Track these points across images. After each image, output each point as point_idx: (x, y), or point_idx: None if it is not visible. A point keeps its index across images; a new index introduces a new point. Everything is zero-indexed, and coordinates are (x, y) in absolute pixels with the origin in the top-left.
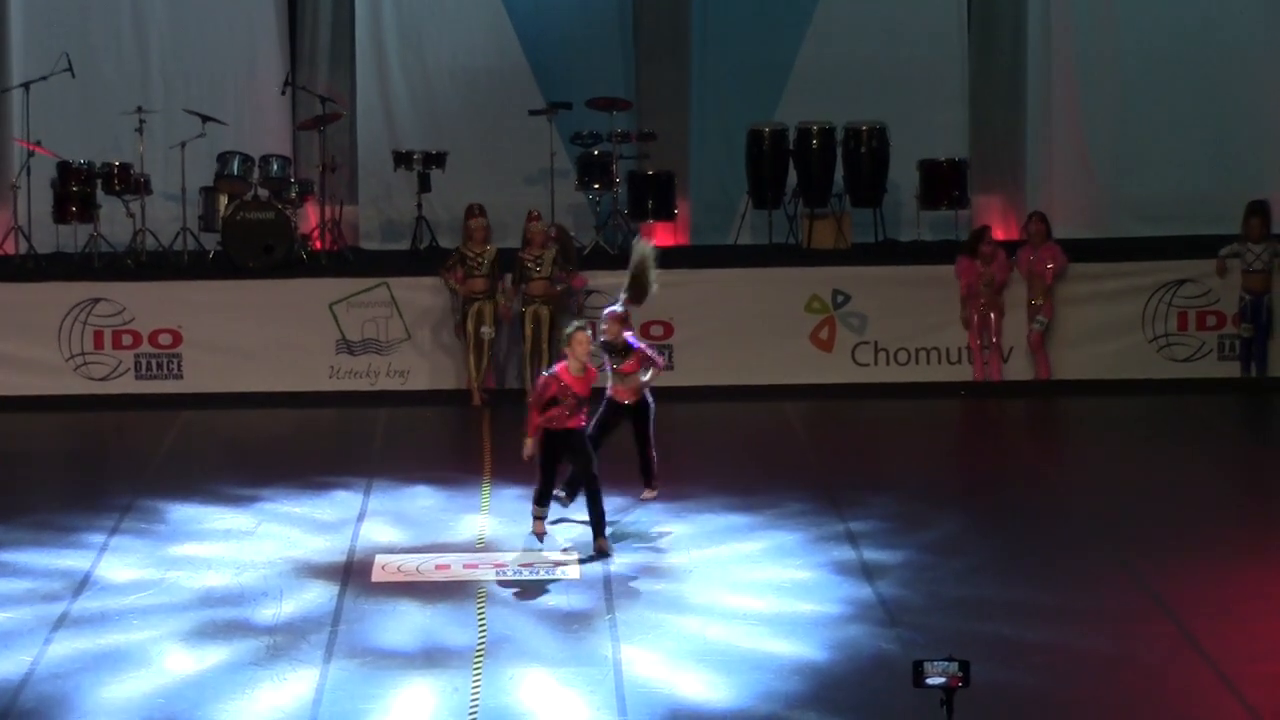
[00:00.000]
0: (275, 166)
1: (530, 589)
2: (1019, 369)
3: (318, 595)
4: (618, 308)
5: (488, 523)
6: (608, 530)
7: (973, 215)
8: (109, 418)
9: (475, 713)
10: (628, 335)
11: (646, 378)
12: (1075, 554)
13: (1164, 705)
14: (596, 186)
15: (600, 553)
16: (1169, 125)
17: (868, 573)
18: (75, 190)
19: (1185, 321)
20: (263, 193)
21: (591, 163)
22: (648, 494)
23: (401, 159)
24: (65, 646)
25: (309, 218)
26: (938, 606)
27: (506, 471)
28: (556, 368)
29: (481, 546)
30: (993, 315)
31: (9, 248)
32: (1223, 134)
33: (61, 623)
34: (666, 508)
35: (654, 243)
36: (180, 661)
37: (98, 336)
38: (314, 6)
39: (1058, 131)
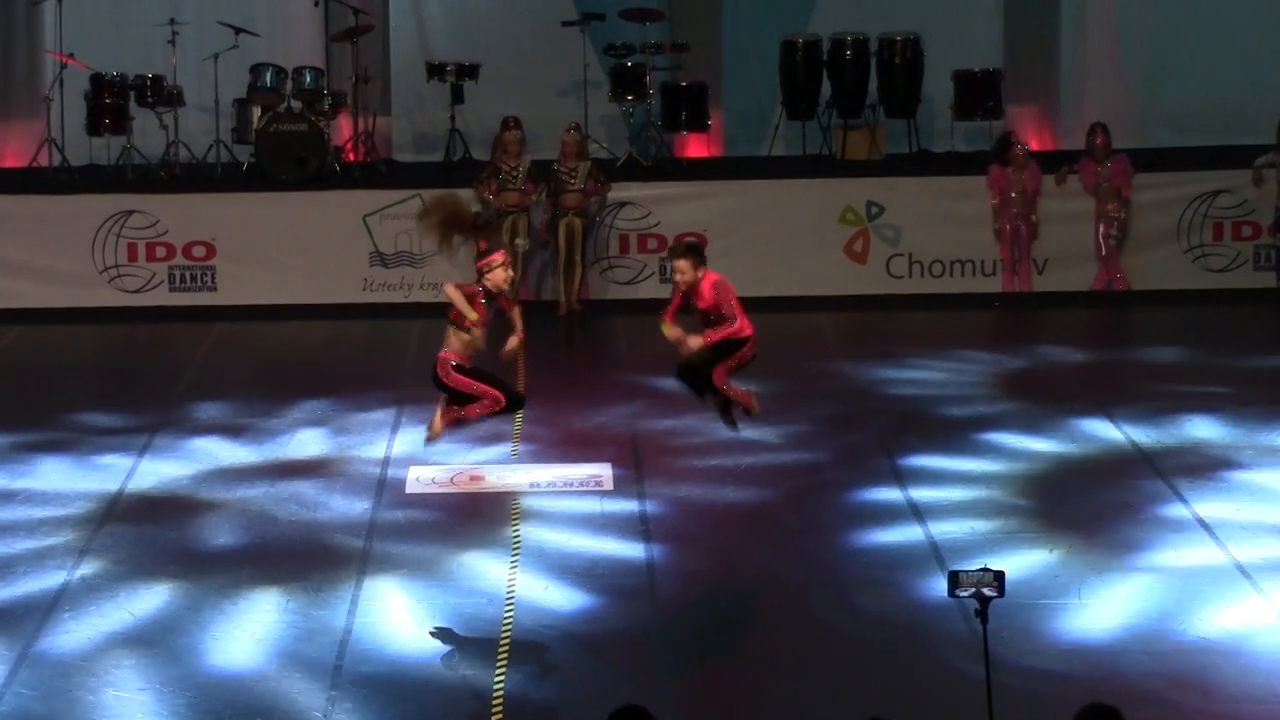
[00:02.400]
0: (308, 78)
1: (564, 499)
2: (1055, 280)
3: (352, 506)
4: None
5: (521, 433)
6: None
7: (1007, 126)
8: (143, 329)
9: (509, 623)
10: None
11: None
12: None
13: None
14: (630, 98)
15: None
16: (1204, 35)
17: (898, 478)
18: (108, 103)
19: (1220, 232)
20: (296, 105)
21: (625, 74)
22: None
23: (434, 71)
24: (99, 558)
25: (342, 130)
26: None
27: (540, 383)
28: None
29: (516, 457)
30: (1024, 227)
31: (42, 160)
32: (1258, 44)
33: (101, 526)
34: (700, 418)
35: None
36: (215, 573)
37: (131, 249)
38: None
39: (1092, 42)
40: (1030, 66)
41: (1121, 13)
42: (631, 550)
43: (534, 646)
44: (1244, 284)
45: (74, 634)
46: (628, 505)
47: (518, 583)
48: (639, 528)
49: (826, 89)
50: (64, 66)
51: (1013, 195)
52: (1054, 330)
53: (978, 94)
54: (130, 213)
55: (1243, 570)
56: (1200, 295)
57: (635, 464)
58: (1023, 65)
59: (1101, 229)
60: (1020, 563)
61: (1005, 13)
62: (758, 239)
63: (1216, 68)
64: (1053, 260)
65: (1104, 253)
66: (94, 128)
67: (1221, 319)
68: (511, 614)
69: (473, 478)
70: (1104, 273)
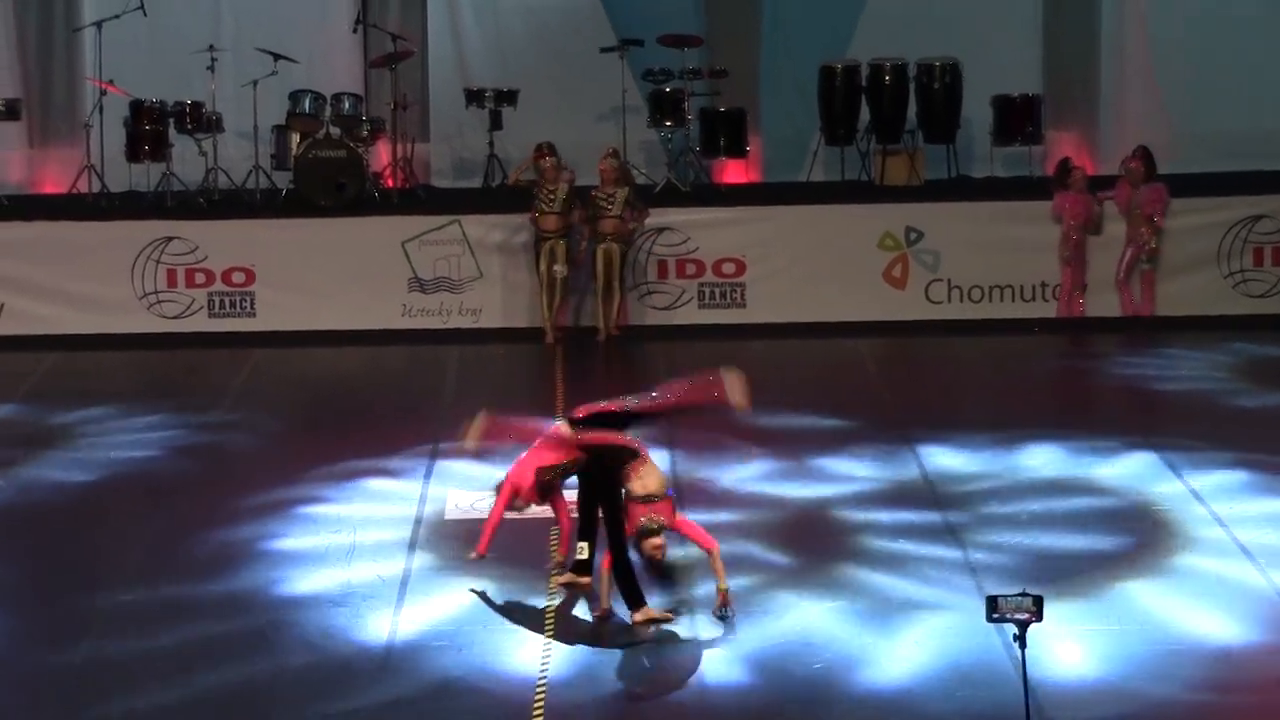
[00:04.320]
0: (347, 104)
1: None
2: (1099, 305)
3: (392, 531)
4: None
5: None
6: None
7: (1047, 151)
8: (182, 356)
9: (549, 648)
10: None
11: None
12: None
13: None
14: (669, 124)
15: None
16: (1243, 59)
17: (937, 500)
18: (148, 129)
19: (1261, 257)
20: (335, 131)
21: (663, 99)
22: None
23: (473, 96)
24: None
25: (381, 156)
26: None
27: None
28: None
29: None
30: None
31: (82, 186)
32: None
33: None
34: (737, 445)
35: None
36: (254, 595)
37: (171, 275)
38: None
39: (1132, 66)
40: (1069, 91)
41: (1160, 37)
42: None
43: (574, 663)
44: None
45: None
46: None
47: (555, 604)
48: (679, 550)
49: (865, 114)
50: (104, 93)
51: (1074, 222)
52: (1095, 356)
53: (1017, 119)
54: (169, 239)
55: None
56: (1240, 320)
57: (674, 487)
58: (1062, 90)
59: (1129, 254)
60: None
61: (1044, 38)
62: (796, 264)
63: (1255, 92)
64: (1093, 285)
65: (1122, 276)
66: (133, 154)
67: (1259, 342)
68: (551, 637)
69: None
70: (1127, 298)
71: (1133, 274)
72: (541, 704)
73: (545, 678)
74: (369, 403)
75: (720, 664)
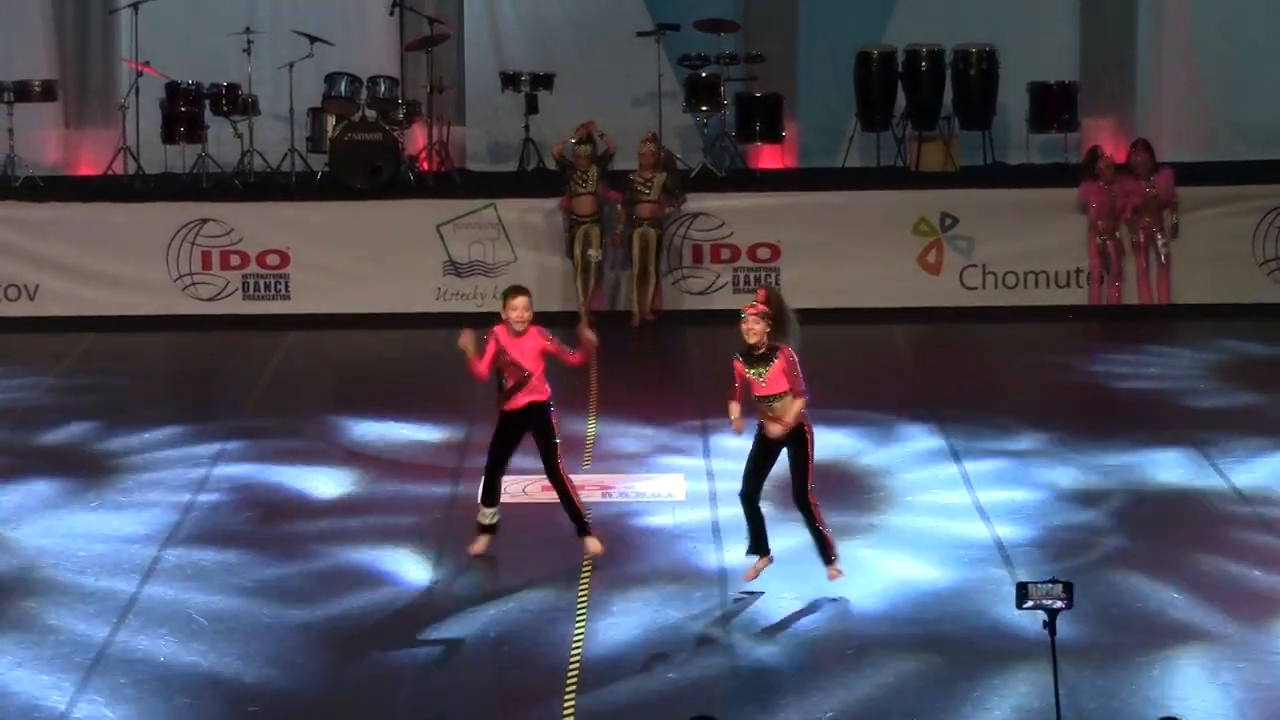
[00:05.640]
0: (383, 87)
1: (636, 510)
2: (1133, 292)
3: (426, 515)
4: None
5: (594, 445)
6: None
7: (1082, 138)
8: (216, 338)
9: (581, 632)
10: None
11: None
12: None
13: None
14: (704, 108)
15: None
16: (1279, 47)
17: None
18: (183, 111)
19: None
20: (370, 114)
21: (699, 85)
22: (832, 573)
23: (509, 80)
24: (171, 569)
25: (416, 139)
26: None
27: (613, 394)
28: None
29: (588, 466)
30: (1110, 242)
31: (118, 168)
32: None
33: (171, 540)
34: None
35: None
36: (287, 571)
37: (205, 257)
38: None
39: (1168, 54)
40: (1106, 79)
41: (1198, 25)
42: (704, 561)
43: (606, 656)
44: None
45: None
46: (701, 516)
47: (590, 592)
48: (711, 539)
49: (901, 100)
50: (140, 74)
51: (1107, 210)
52: (1126, 344)
53: (1053, 106)
54: (205, 221)
55: None
56: (1274, 309)
57: (708, 475)
58: (1098, 77)
59: (1144, 242)
60: None
61: (1081, 25)
62: (831, 250)
63: None
64: (1127, 272)
65: (1145, 265)
66: (169, 136)
67: None
68: (584, 621)
69: (544, 487)
70: (1145, 286)
71: (1151, 260)
72: None
73: None
74: (403, 385)
75: (753, 643)
